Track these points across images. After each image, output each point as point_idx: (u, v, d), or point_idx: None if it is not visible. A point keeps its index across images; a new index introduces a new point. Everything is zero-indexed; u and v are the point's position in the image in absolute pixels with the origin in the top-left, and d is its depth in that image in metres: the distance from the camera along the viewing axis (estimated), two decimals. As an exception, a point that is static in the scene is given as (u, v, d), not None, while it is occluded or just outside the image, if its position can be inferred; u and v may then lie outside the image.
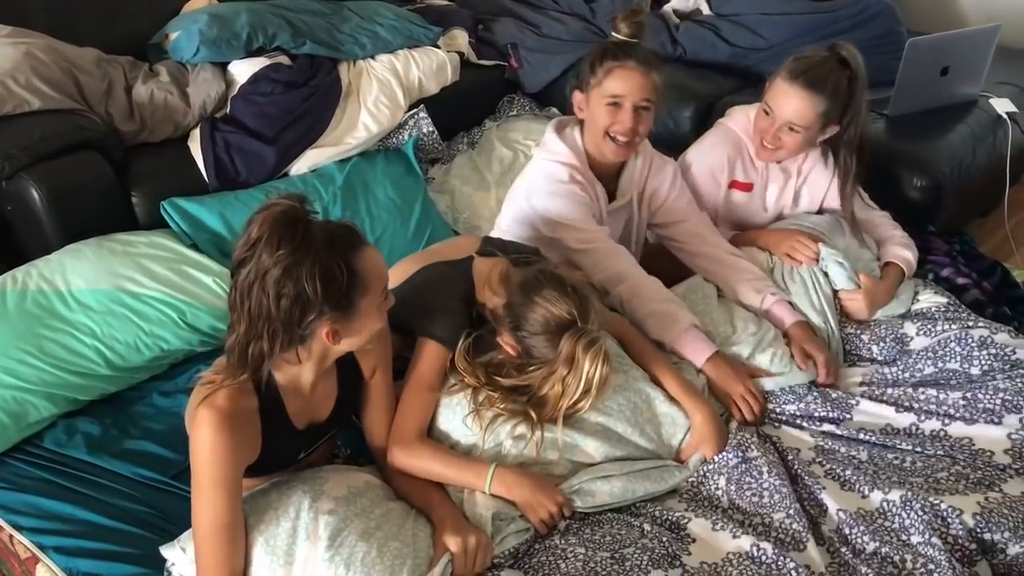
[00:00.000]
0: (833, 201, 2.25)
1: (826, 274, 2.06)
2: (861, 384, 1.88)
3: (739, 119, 2.26)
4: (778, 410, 1.81)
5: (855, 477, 1.61)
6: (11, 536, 1.67)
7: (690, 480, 1.67)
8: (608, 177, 2.07)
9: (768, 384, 1.85)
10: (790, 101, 2.06)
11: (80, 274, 2.04)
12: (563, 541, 1.52)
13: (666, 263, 2.10)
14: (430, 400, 1.65)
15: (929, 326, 1.95)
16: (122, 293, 2.04)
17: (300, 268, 1.31)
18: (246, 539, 1.42)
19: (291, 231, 1.31)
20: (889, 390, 1.83)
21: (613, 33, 1.97)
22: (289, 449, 1.54)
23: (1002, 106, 2.79)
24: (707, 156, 2.23)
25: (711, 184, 2.21)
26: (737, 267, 2.04)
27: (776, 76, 2.10)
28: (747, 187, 2.24)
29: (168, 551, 1.51)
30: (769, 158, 2.21)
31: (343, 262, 1.35)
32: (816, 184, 2.27)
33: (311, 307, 1.34)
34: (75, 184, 2.21)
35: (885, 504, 1.53)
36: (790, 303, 2.00)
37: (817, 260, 2.07)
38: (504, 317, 1.61)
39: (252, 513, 1.46)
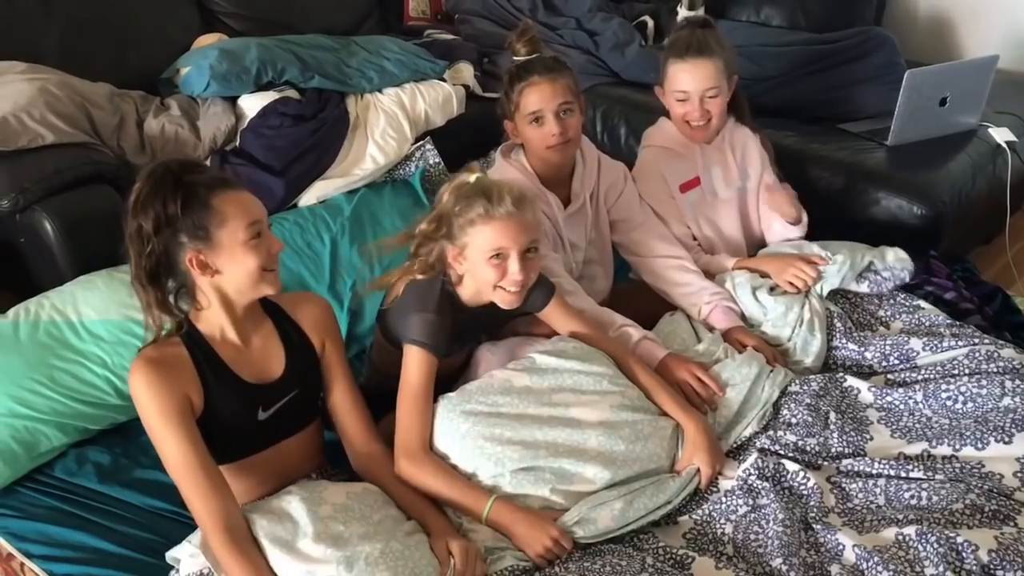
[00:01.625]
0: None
1: (821, 295, 2.11)
2: (869, 407, 1.88)
3: (653, 136, 2.37)
4: (799, 443, 1.78)
5: (873, 520, 1.60)
6: (22, 564, 1.68)
7: (695, 519, 1.66)
8: (560, 184, 2.13)
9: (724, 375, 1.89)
10: (695, 72, 2.17)
11: (91, 305, 2.07)
12: (562, 569, 1.52)
13: (644, 302, 2.14)
14: (425, 408, 1.67)
15: (936, 342, 1.95)
16: (132, 323, 2.05)
17: (152, 197, 1.47)
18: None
19: (147, 175, 1.50)
20: (903, 419, 1.82)
21: (514, 57, 2.05)
22: (239, 399, 1.60)
23: (1001, 135, 2.81)
24: (648, 181, 2.29)
25: (667, 202, 2.28)
26: (676, 281, 2.12)
27: (665, 66, 2.22)
28: (694, 183, 2.31)
29: (174, 552, 1.54)
30: (705, 135, 2.28)
31: (190, 197, 1.48)
32: (752, 153, 2.35)
33: (162, 233, 1.47)
34: (87, 216, 2.24)
35: (901, 537, 1.51)
36: (728, 306, 2.08)
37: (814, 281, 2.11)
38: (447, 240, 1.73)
39: (254, 515, 1.50)
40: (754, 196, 2.39)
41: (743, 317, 2.10)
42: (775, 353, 2.00)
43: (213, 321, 1.59)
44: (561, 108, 2.00)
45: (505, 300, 1.74)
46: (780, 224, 2.31)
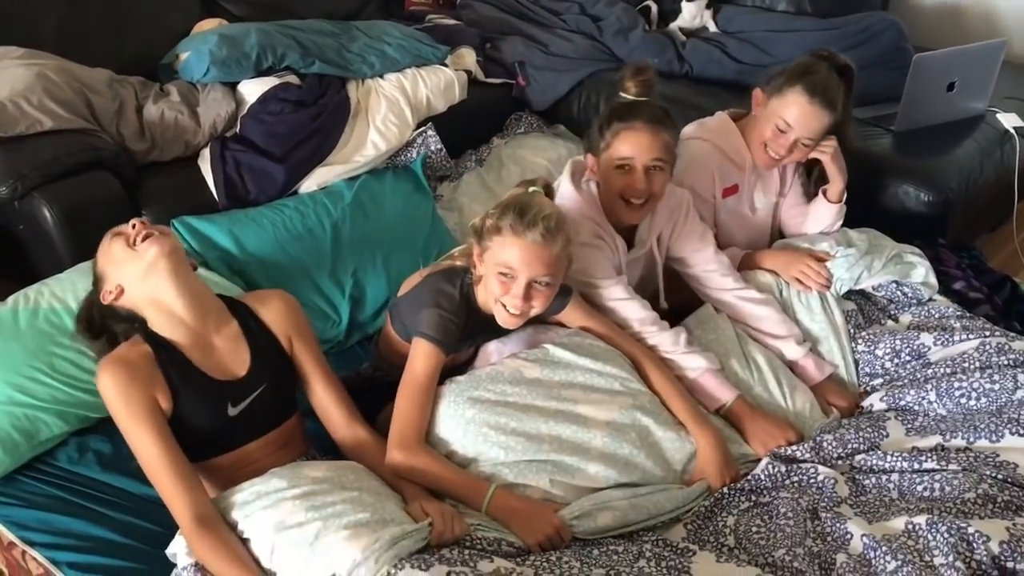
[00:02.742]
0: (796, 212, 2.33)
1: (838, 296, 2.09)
2: (886, 410, 1.87)
3: (711, 128, 2.26)
4: (817, 439, 1.77)
5: (885, 512, 1.58)
6: (24, 552, 1.68)
7: (696, 513, 1.65)
8: (626, 227, 2.01)
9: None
10: (811, 121, 2.07)
11: (91, 292, 2.06)
12: (558, 553, 1.50)
13: (687, 290, 2.10)
14: (425, 401, 1.65)
15: (947, 336, 1.94)
16: (133, 311, 2.05)
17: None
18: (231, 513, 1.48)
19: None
20: (919, 419, 1.81)
21: (622, 93, 1.93)
22: (208, 397, 1.61)
23: (1009, 121, 2.80)
24: (698, 175, 2.19)
25: (707, 203, 2.21)
26: (756, 315, 2.02)
27: (787, 90, 2.09)
28: (734, 190, 2.26)
29: (172, 546, 1.53)
30: (774, 166, 2.23)
31: None
32: (793, 198, 2.33)
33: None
34: (87, 203, 2.22)
35: (911, 526, 1.50)
36: (820, 357, 2.00)
37: (828, 286, 2.07)
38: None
39: (231, 502, 1.50)
40: (786, 207, 2.35)
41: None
42: (856, 405, 1.94)
43: (168, 327, 1.62)
44: (653, 163, 1.88)
45: (504, 319, 1.71)
46: (824, 210, 2.26)
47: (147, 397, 1.52)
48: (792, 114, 2.08)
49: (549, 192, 1.77)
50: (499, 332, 1.82)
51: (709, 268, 2.06)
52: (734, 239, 2.29)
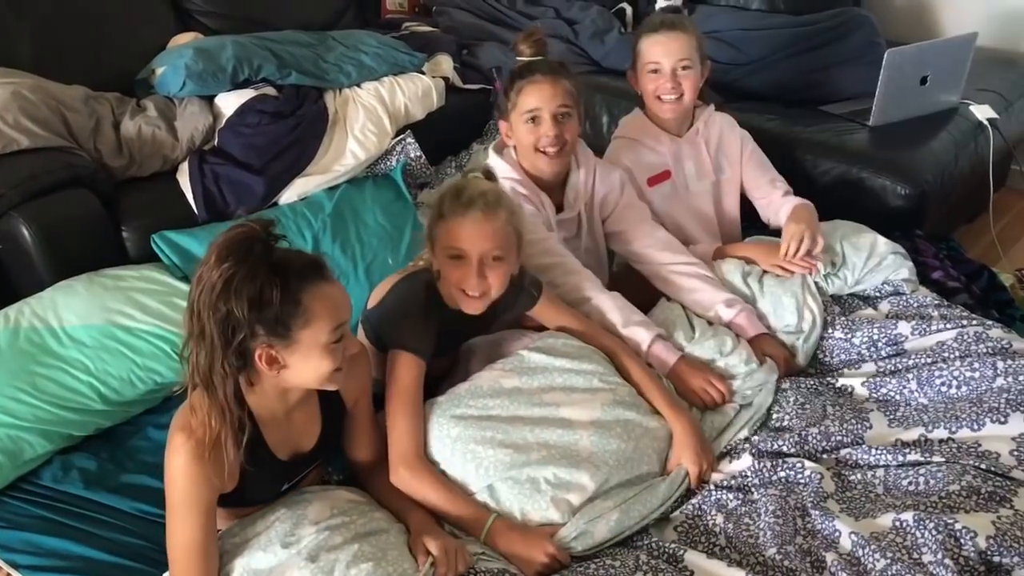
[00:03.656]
0: (751, 162, 2.35)
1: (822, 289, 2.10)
2: (868, 399, 1.87)
3: (623, 127, 2.36)
4: (802, 433, 1.78)
5: (871, 508, 1.59)
6: (8, 575, 1.66)
7: (686, 514, 1.66)
8: (553, 190, 2.10)
9: (736, 384, 1.88)
10: (668, 44, 2.19)
11: (72, 310, 2.05)
12: None
13: (631, 291, 2.11)
14: (417, 413, 1.66)
15: (924, 325, 1.95)
16: (115, 328, 2.04)
17: (233, 283, 1.31)
18: (228, 565, 1.44)
19: (239, 248, 1.33)
20: (900, 409, 1.82)
21: (518, 57, 2.04)
22: (270, 479, 1.55)
23: (982, 112, 2.82)
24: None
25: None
26: (688, 287, 2.07)
27: (639, 42, 2.23)
28: (664, 176, 2.30)
29: None
30: (678, 109, 2.26)
31: (284, 287, 1.34)
32: (729, 145, 2.35)
33: (240, 326, 1.34)
34: (65, 221, 2.21)
35: (898, 523, 1.51)
36: (751, 311, 2.05)
37: (811, 271, 2.09)
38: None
39: (234, 543, 1.48)
40: (731, 187, 2.38)
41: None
42: (789, 360, 1.99)
43: (263, 402, 1.48)
44: (559, 111, 1.98)
45: (467, 305, 1.73)
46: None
47: (213, 490, 1.41)
48: (652, 53, 2.20)
49: (491, 178, 1.81)
50: (472, 329, 1.86)
51: (646, 243, 2.13)
52: (684, 229, 2.32)
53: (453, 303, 1.75)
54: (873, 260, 2.12)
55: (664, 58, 2.18)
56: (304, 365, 1.41)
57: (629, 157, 2.28)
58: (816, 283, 2.10)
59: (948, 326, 1.93)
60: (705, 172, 2.34)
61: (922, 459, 1.66)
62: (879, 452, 1.71)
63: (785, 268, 2.09)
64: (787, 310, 2.04)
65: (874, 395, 1.88)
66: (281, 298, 1.34)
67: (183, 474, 1.38)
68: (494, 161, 2.09)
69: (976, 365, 1.81)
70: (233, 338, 1.34)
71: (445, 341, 1.81)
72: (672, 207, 2.32)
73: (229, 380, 1.38)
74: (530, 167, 2.06)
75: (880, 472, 1.68)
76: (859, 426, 1.79)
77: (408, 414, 1.64)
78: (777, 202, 2.29)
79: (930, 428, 1.73)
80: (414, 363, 1.67)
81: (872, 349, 1.98)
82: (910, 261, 2.16)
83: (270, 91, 2.70)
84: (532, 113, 1.98)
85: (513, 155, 2.09)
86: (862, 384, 1.90)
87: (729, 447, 1.80)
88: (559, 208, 2.11)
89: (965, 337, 1.88)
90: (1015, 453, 1.63)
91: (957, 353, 1.86)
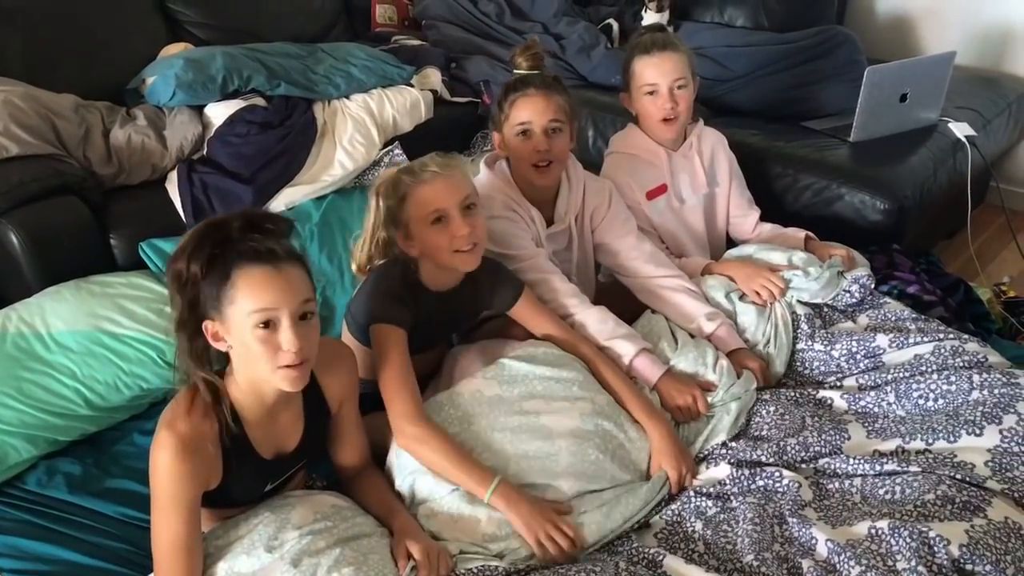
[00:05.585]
0: (736, 178, 2.41)
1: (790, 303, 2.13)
2: (847, 411, 1.90)
3: (618, 142, 2.38)
4: (781, 443, 1.80)
5: (848, 516, 1.61)
6: (-8, 579, 1.67)
7: (666, 520, 1.67)
8: (544, 204, 2.12)
9: (716, 395, 1.90)
10: (663, 65, 2.21)
11: (59, 316, 2.06)
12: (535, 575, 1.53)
13: (618, 302, 2.14)
14: (410, 380, 1.69)
15: (902, 338, 1.97)
16: (101, 334, 2.05)
17: (188, 248, 1.40)
18: (211, 568, 1.46)
19: (208, 224, 1.41)
20: (878, 422, 1.84)
21: (515, 70, 2.07)
22: (254, 476, 1.56)
23: (961, 130, 2.87)
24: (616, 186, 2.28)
25: (635, 209, 2.27)
26: (671, 301, 2.09)
27: (632, 64, 2.26)
28: (661, 190, 2.33)
29: None
30: (674, 129, 2.29)
31: (223, 260, 1.39)
32: (720, 159, 2.40)
33: (188, 286, 1.41)
34: (54, 228, 2.23)
35: (873, 531, 1.53)
36: (731, 326, 2.08)
37: (782, 295, 2.13)
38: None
39: (217, 545, 1.49)
40: (723, 200, 2.42)
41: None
42: (767, 372, 2.02)
43: (242, 397, 1.49)
44: (551, 125, 2.00)
45: (464, 261, 1.77)
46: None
47: (197, 486, 1.43)
48: (647, 75, 2.23)
49: None
50: (457, 321, 1.92)
51: (632, 255, 2.15)
52: (680, 242, 2.36)
53: (442, 282, 1.81)
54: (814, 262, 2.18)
55: (660, 79, 2.21)
56: (244, 350, 1.42)
57: (627, 171, 2.31)
58: (788, 299, 2.14)
59: (925, 339, 1.95)
60: (699, 185, 2.37)
61: (899, 469, 1.69)
62: (857, 462, 1.73)
63: (759, 295, 2.13)
64: (760, 328, 2.09)
65: (853, 407, 1.90)
66: (217, 271, 1.39)
67: (167, 470, 1.40)
68: (482, 173, 2.10)
69: (953, 378, 1.83)
70: (188, 300, 1.42)
71: (428, 332, 1.83)
72: (668, 220, 2.35)
73: (182, 336, 1.44)
74: (521, 180, 2.08)
75: (857, 481, 1.70)
76: (837, 437, 1.81)
77: (402, 384, 1.67)
78: (751, 224, 2.40)
79: (907, 439, 1.76)
80: (395, 332, 1.71)
81: (851, 361, 2.00)
82: (865, 259, 2.22)
83: (259, 101, 2.72)
84: (523, 126, 2.00)
85: (505, 168, 2.12)
86: (841, 396, 1.92)
87: (706, 452, 1.82)
88: (549, 222, 2.13)
89: (942, 351, 1.90)
90: (990, 464, 1.66)
91: (934, 366, 1.89)
